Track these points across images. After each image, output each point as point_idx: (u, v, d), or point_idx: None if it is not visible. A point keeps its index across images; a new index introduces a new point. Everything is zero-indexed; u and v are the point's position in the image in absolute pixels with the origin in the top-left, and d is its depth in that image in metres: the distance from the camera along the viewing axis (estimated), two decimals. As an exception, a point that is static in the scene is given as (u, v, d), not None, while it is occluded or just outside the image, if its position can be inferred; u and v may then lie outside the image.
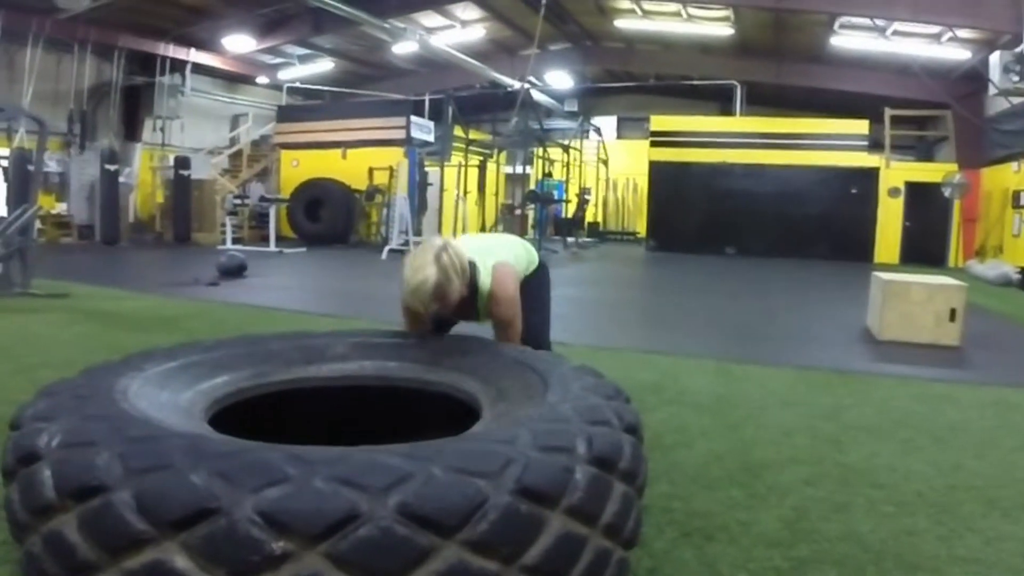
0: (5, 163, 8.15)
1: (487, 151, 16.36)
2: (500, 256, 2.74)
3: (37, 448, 1.27)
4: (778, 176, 16.26)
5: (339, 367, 2.24)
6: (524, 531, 1.18)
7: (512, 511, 1.17)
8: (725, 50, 17.14)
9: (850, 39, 14.24)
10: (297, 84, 19.71)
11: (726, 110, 18.91)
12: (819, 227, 15.98)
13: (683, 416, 3.46)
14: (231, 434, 1.44)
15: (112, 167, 13.65)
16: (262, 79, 19.37)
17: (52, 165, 12.01)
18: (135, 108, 17.34)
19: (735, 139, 16.70)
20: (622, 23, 15.81)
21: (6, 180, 7.89)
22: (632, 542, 1.48)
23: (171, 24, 16.50)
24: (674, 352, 5.04)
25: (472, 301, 2.62)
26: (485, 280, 2.63)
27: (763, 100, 18.45)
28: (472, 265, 2.58)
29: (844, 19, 13.42)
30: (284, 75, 19.37)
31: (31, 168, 8.26)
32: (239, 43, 16.94)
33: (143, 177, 16.63)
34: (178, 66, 17.32)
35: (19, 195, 7.85)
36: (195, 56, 17.40)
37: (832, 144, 16.14)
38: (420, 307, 2.43)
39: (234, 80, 19.28)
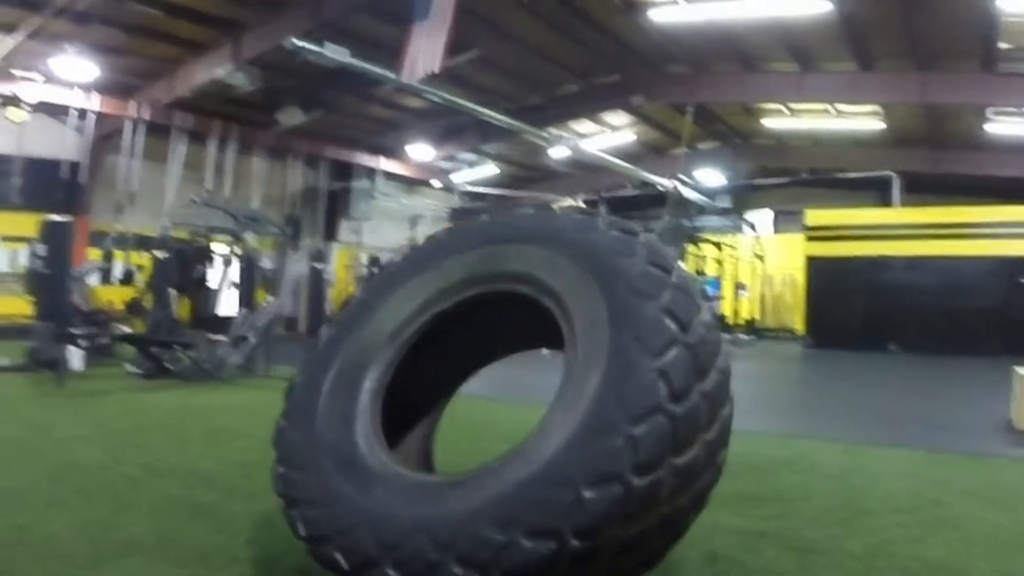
0: (234, 262, 9.99)
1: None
2: None
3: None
4: (943, 268, 15.75)
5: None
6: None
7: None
8: (878, 142, 17.25)
9: (1005, 125, 14.05)
10: (467, 187, 21.72)
11: (886, 200, 18.75)
12: (989, 321, 15.23)
13: (808, 482, 4.03)
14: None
15: (319, 265, 15.87)
16: (436, 183, 21.61)
17: (266, 262, 14.26)
18: (333, 210, 20.00)
19: (894, 231, 16.45)
20: (769, 122, 16.47)
21: (244, 278, 9.60)
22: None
23: (365, 135, 19.16)
24: (811, 436, 5.55)
25: None
26: None
27: (922, 188, 18.16)
28: None
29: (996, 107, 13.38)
30: (456, 178, 21.50)
31: (263, 266, 10.06)
32: (420, 151, 19.25)
33: (338, 274, 18.92)
34: (369, 173, 19.88)
35: (249, 292, 9.53)
36: (384, 164, 19.92)
37: (1000, 232, 15.50)
38: None
39: (413, 184, 21.65)
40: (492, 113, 14.87)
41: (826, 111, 15.44)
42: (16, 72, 14.56)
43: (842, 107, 15.14)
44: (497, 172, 22.03)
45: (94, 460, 3.99)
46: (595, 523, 1.63)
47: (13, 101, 15.08)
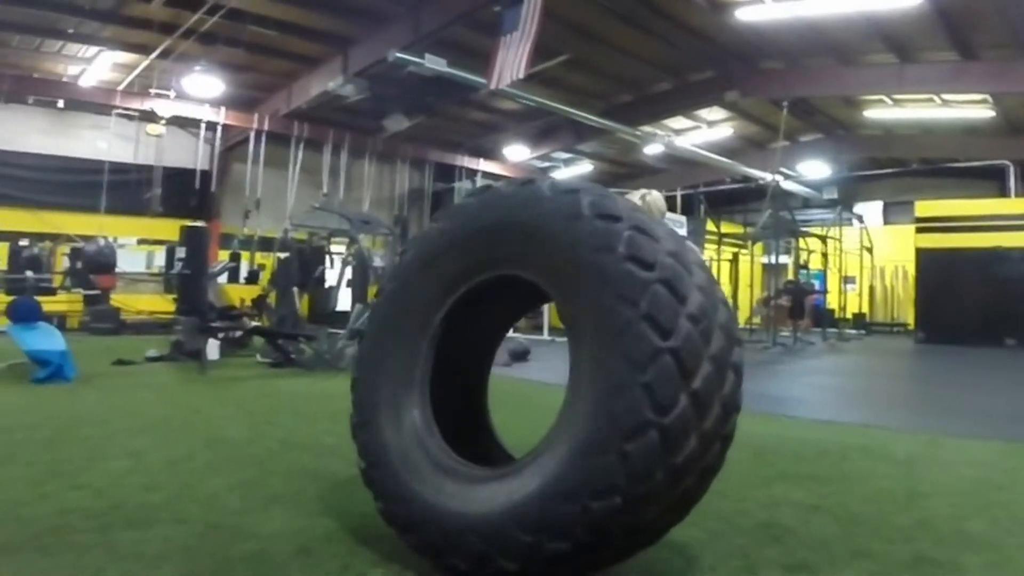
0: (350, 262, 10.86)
1: (740, 243, 17.02)
2: None
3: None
4: (1064, 260, 14.99)
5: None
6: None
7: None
8: (991, 130, 16.47)
9: None
10: (563, 185, 22.14)
11: (1004, 190, 17.86)
12: (1115, 316, 14.35)
13: (875, 467, 4.25)
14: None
15: (427, 264, 16.78)
16: (534, 182, 22.15)
17: (377, 260, 15.18)
18: (438, 210, 21.02)
19: (1011, 221, 15.72)
20: (872, 113, 16.02)
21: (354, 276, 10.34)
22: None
23: (465, 138, 19.94)
24: (892, 427, 5.68)
25: None
26: None
27: (1042, 178, 17.21)
28: None
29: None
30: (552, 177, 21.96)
31: (375, 264, 10.85)
32: (517, 152, 19.83)
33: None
34: (470, 174, 20.69)
35: (363, 289, 10.30)
36: (483, 165, 20.65)
37: None
38: None
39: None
40: (584, 114, 15.22)
41: (930, 100, 14.89)
42: (152, 90, 16.10)
43: (948, 96, 14.57)
44: (592, 169, 22.33)
45: (239, 435, 4.72)
46: (602, 525, 1.96)
47: (151, 116, 16.69)
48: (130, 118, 16.89)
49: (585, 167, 22.08)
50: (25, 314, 7.52)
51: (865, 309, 21.16)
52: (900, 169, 19.89)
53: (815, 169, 20.34)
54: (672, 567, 2.56)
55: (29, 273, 13.31)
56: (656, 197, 3.56)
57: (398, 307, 2.66)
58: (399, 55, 12.01)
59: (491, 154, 20.80)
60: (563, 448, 2.03)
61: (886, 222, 22.33)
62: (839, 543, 2.84)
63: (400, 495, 2.40)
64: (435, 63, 12.16)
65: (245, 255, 17.21)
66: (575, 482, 1.97)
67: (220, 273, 11.57)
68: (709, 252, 15.70)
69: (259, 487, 3.48)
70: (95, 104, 16.26)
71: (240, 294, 13.40)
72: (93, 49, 14.66)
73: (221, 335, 8.74)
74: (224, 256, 16.65)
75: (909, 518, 3.16)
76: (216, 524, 2.91)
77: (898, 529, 3.01)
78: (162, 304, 13.99)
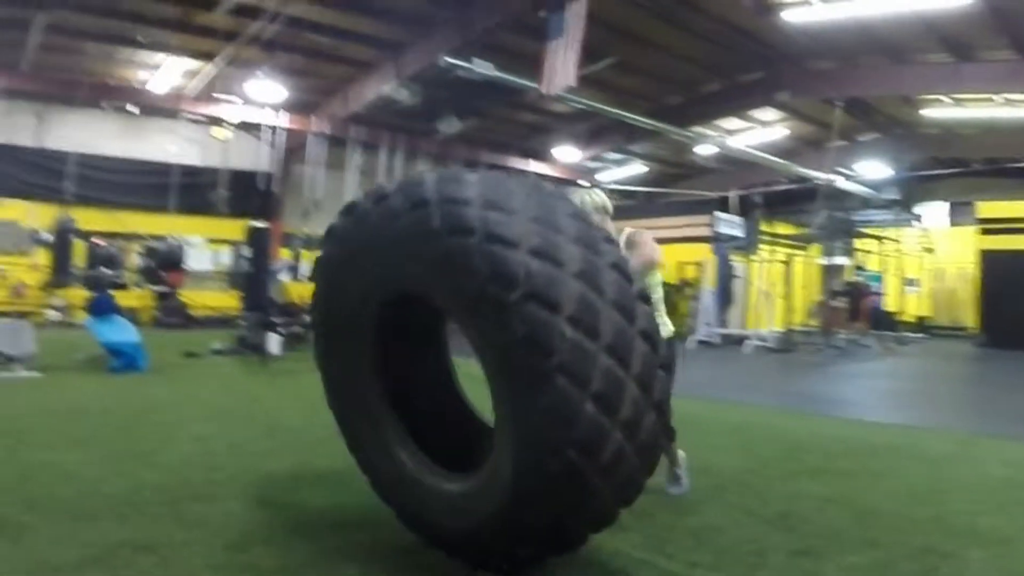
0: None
1: (796, 244, 16.75)
2: None
3: None
4: None
5: None
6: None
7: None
8: (1058, 130, 15.88)
9: None
10: (613, 185, 22.14)
11: (1081, 190, 17.12)
12: None
13: (901, 464, 4.34)
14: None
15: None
16: (583, 182, 22.20)
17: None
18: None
19: (1081, 223, 15.16)
20: (930, 112, 15.65)
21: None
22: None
23: (515, 139, 20.16)
24: (930, 427, 5.70)
25: None
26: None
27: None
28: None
29: None
30: (602, 177, 21.99)
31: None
32: (567, 153, 19.96)
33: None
34: (521, 175, 20.91)
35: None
36: (533, 166, 20.82)
37: None
38: None
39: (561, 184, 22.38)
40: (633, 115, 15.25)
41: (990, 99, 14.47)
42: (215, 94, 16.78)
43: (1009, 95, 14.13)
44: (646, 170, 22.29)
45: (294, 423, 5.06)
46: (558, 526, 2.19)
47: (216, 120, 17.41)
48: (196, 122, 17.64)
49: (638, 168, 22.07)
50: (102, 309, 8.05)
51: (927, 312, 20.53)
52: (963, 169, 19.28)
53: (874, 169, 19.84)
54: (682, 548, 2.76)
55: (104, 270, 14.05)
56: (594, 196, 3.76)
57: (331, 335, 2.79)
58: (448, 60, 12.29)
59: (541, 155, 20.99)
60: (507, 469, 2.15)
61: (952, 223, 21.61)
62: (850, 533, 2.99)
63: (401, 506, 2.68)
64: (483, 67, 12.39)
65: (305, 254, 17.77)
66: (522, 499, 2.12)
67: (281, 271, 12.04)
68: (766, 252, 15.46)
69: (308, 467, 3.85)
70: (164, 109, 17.03)
71: (301, 291, 13.88)
72: (162, 56, 15.37)
73: (282, 331, 9.15)
74: (286, 255, 17.24)
75: (925, 512, 3.28)
76: (269, 500, 3.28)
77: (911, 522, 3.14)
78: (227, 300, 14.59)
